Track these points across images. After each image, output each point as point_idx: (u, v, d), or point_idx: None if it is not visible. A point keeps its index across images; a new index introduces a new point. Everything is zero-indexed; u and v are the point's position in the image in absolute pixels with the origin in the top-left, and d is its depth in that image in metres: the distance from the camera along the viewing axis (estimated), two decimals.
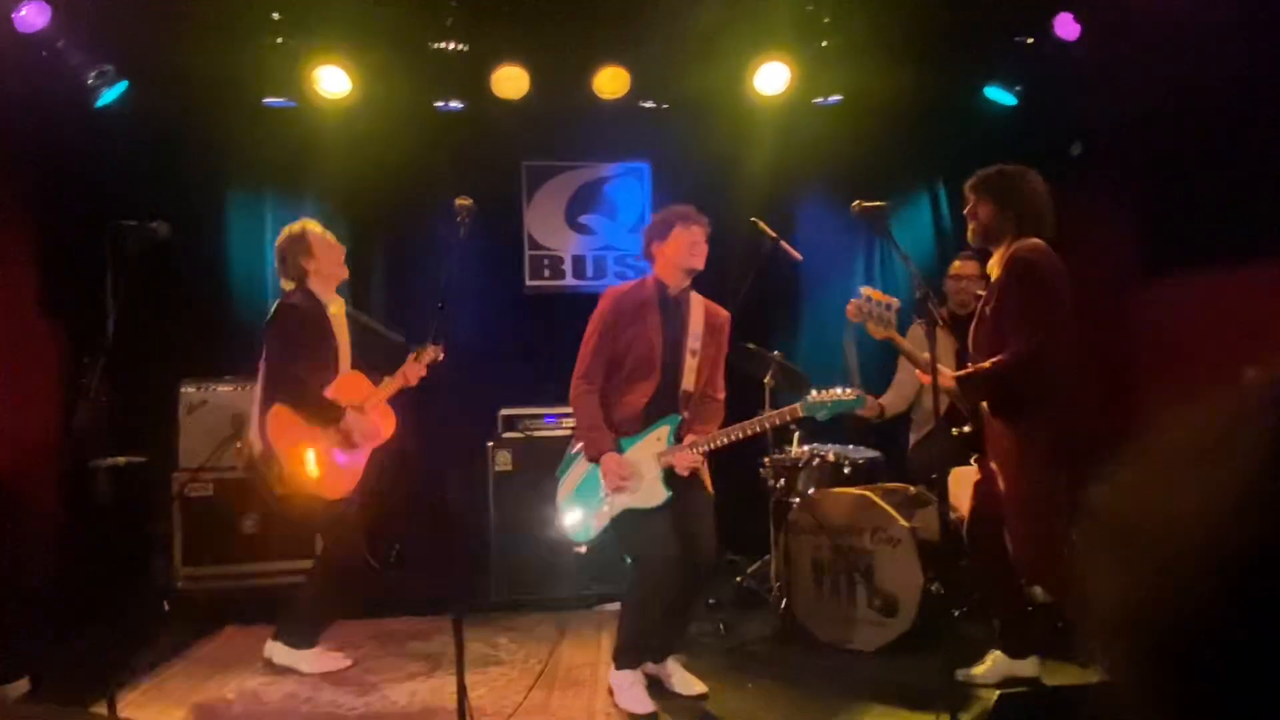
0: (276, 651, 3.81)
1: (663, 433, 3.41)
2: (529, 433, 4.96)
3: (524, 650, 4.08)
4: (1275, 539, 0.48)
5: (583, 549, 3.66)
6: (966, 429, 3.46)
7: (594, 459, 3.40)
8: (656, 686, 3.50)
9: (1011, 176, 3.32)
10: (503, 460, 4.88)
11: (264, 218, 5.72)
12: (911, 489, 4.27)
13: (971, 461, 3.79)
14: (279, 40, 5.07)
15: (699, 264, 3.54)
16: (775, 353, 4.46)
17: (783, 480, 4.38)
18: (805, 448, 4.50)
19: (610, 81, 5.46)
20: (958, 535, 3.71)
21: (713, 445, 3.36)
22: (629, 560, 3.63)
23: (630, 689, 3.37)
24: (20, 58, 4.47)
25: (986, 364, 3.20)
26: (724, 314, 3.70)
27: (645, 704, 3.34)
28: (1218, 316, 4.46)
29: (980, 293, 3.91)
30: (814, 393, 3.33)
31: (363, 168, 5.57)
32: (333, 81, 5.21)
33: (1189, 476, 0.53)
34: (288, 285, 3.89)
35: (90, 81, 4.92)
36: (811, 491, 4.26)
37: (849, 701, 3.41)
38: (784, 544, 4.21)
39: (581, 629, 4.36)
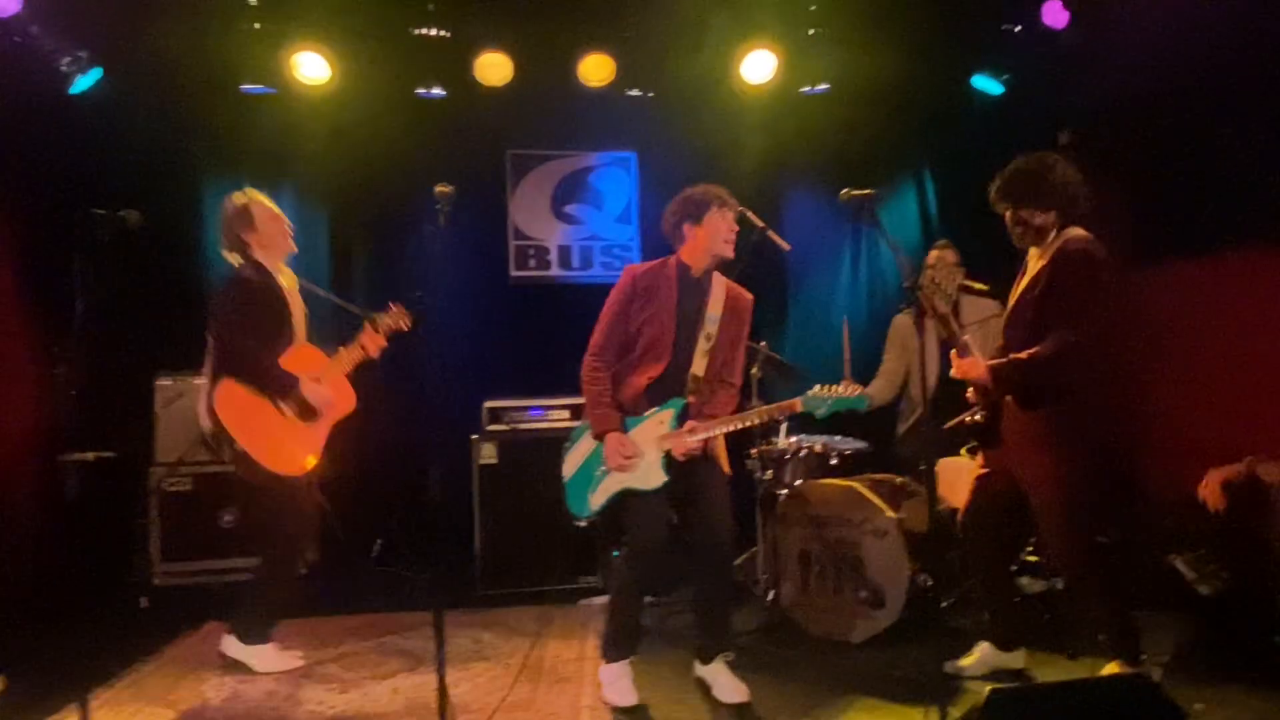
0: (230, 646, 3.74)
1: (666, 416, 3.34)
2: (514, 425, 4.92)
3: (509, 645, 4.03)
4: None
5: (581, 523, 3.61)
6: (977, 417, 3.41)
7: (599, 436, 3.35)
8: (701, 690, 3.39)
9: (1037, 175, 3.26)
10: (487, 453, 4.83)
11: None
12: (898, 479, 4.25)
13: (963, 452, 3.77)
14: (257, 26, 4.99)
15: (730, 253, 3.44)
16: (761, 344, 4.42)
17: (770, 471, 4.35)
18: (793, 439, 4.47)
19: (596, 69, 5.40)
20: (945, 526, 3.69)
21: (710, 434, 3.31)
22: (615, 554, 3.58)
23: (617, 682, 3.34)
24: None
25: (1024, 355, 3.16)
26: (748, 296, 3.56)
27: (630, 697, 3.31)
28: (1204, 302, 4.46)
29: (964, 281, 3.88)
30: (816, 388, 3.26)
31: (343, 156, 5.50)
32: (312, 68, 5.13)
33: None
34: (231, 258, 3.78)
35: (64, 68, 4.83)
36: (799, 483, 4.23)
37: (837, 694, 3.38)
38: (771, 536, 4.19)
39: (567, 623, 4.32)
